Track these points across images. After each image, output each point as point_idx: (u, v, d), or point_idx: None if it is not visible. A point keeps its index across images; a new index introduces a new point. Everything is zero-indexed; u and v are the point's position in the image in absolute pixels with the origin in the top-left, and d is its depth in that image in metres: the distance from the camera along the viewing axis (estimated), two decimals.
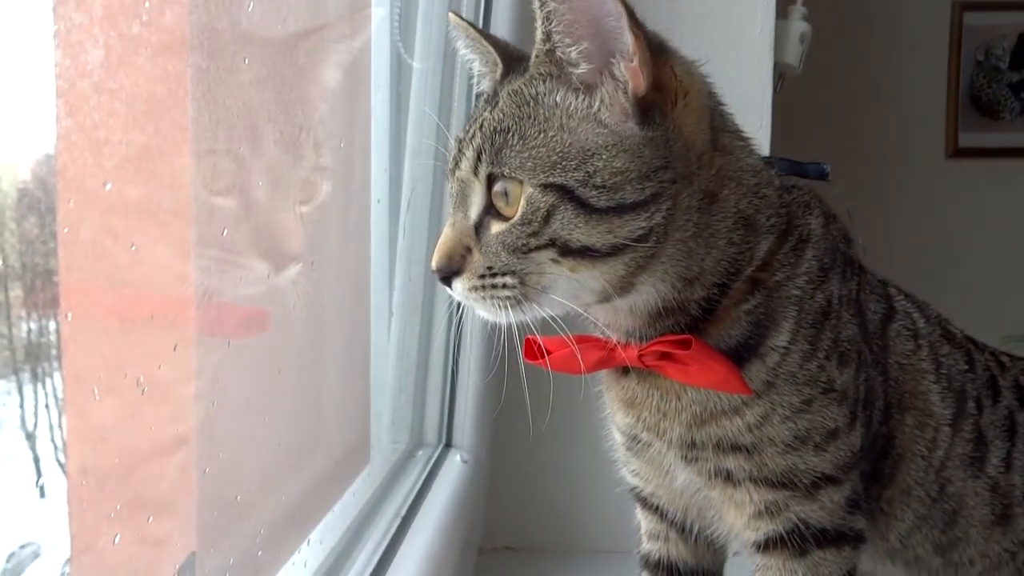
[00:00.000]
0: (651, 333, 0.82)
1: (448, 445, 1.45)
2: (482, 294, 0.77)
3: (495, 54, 0.84)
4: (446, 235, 0.79)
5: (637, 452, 0.93)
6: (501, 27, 1.39)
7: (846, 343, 0.87)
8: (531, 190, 0.74)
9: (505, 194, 0.75)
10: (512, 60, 0.83)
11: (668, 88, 0.77)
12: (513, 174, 0.74)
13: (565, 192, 0.73)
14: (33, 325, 0.68)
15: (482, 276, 0.76)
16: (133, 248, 0.70)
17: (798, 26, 1.74)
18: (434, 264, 0.78)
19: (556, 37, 0.75)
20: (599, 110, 0.75)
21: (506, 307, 0.76)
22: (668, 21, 1.62)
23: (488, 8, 1.41)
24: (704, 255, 0.79)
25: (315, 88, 0.97)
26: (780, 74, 1.73)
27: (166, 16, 0.74)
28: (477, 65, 0.87)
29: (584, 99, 0.75)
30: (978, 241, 3.12)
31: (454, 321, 1.38)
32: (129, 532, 0.71)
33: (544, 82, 0.76)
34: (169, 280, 0.78)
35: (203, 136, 0.80)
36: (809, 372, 0.84)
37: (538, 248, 0.75)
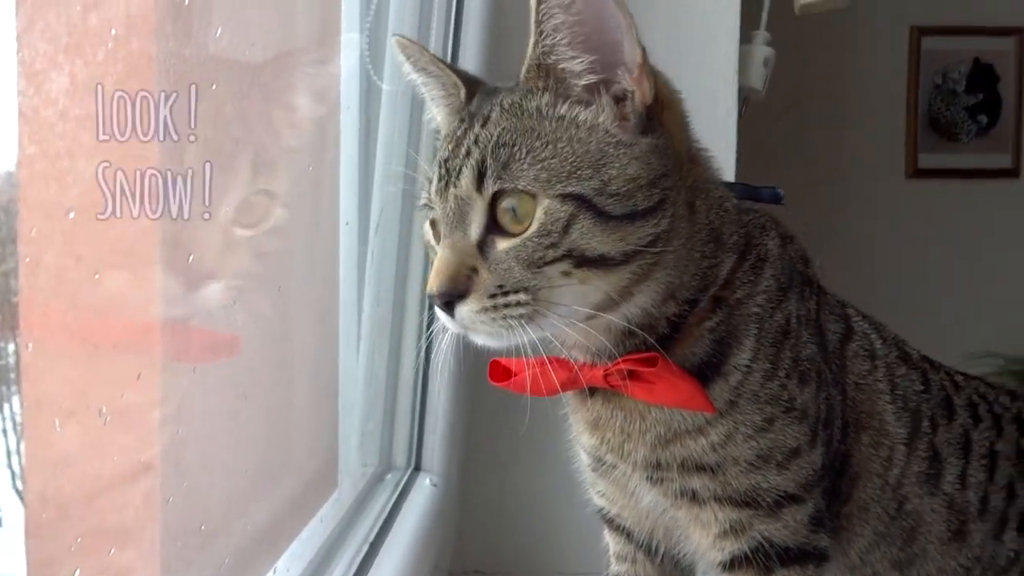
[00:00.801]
0: (618, 352, 0.82)
1: (417, 468, 1.44)
2: (493, 315, 0.74)
3: (454, 76, 0.84)
4: (445, 257, 0.75)
5: (603, 473, 0.94)
6: (470, 56, 1.41)
7: (806, 362, 0.89)
8: (548, 201, 0.73)
9: (513, 210, 0.74)
10: (471, 83, 0.84)
11: (661, 98, 0.79)
12: (527, 187, 0.73)
13: (583, 201, 0.73)
14: None
15: (493, 296, 0.74)
16: (96, 276, 0.70)
17: (761, 51, 1.78)
18: (435, 288, 0.75)
19: (561, 50, 0.75)
20: (607, 120, 0.76)
21: (517, 326, 0.74)
22: None
23: (456, 38, 1.43)
24: (686, 266, 0.81)
25: (278, 111, 0.96)
26: (745, 98, 1.76)
27: (132, 43, 0.74)
28: (431, 89, 0.87)
29: (590, 110, 0.76)
30: (938, 259, 3.18)
31: (423, 344, 1.38)
32: (90, 564, 0.70)
33: (543, 95, 0.77)
34: (134, 306, 0.78)
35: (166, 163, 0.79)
36: (770, 391, 0.85)
37: (554, 260, 0.74)
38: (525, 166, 0.74)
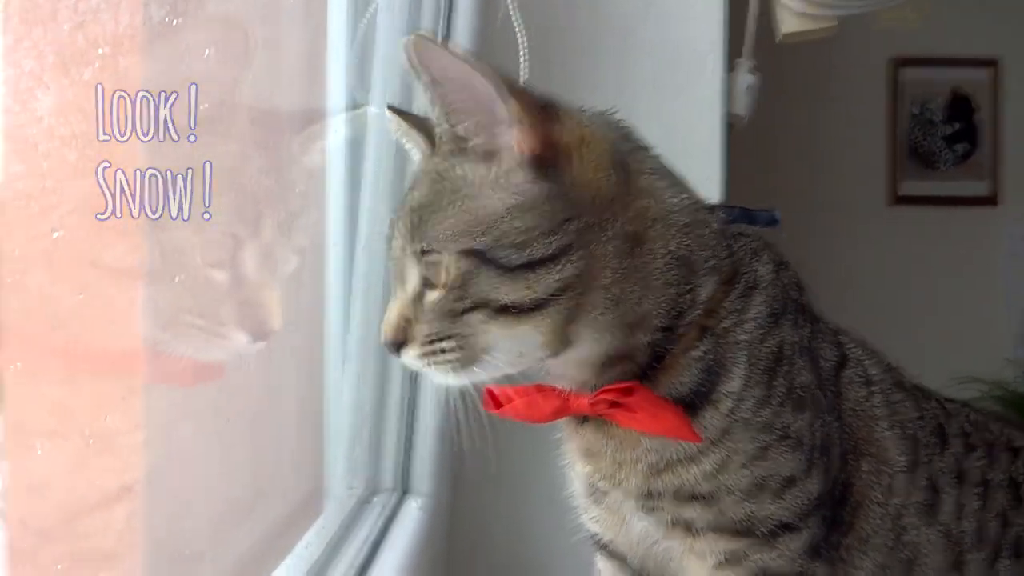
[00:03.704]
0: (600, 382, 0.82)
1: (405, 492, 1.43)
2: (427, 360, 0.79)
3: (421, 137, 0.87)
4: (390, 309, 0.82)
5: (596, 500, 0.93)
6: None
7: (800, 389, 0.88)
8: (449, 258, 0.77)
9: (434, 264, 0.78)
10: (432, 140, 0.87)
11: (560, 142, 0.79)
12: (433, 247, 0.78)
13: (478, 255, 0.76)
14: None
15: (424, 344, 0.79)
16: (80, 296, 0.69)
17: (745, 78, 1.81)
18: (382, 338, 0.81)
19: (447, 116, 0.79)
20: (498, 175, 0.78)
21: (452, 370, 0.79)
22: (619, 75, 1.67)
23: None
24: (639, 298, 0.81)
25: (296, 169, 0.99)
26: (729, 125, 1.78)
27: (119, 62, 0.73)
28: (414, 151, 0.90)
29: (485, 167, 0.79)
30: (920, 284, 3.22)
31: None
32: None
33: (448, 158, 0.80)
34: (118, 328, 0.77)
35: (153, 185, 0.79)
36: (764, 418, 0.85)
37: (467, 311, 0.77)
38: (429, 227, 0.79)
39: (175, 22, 0.83)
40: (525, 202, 0.77)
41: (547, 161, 0.78)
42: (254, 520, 1.05)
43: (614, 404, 0.82)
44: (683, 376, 0.83)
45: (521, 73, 1.34)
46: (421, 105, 1.32)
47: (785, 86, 2.74)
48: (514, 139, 0.78)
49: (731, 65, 1.77)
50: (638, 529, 0.91)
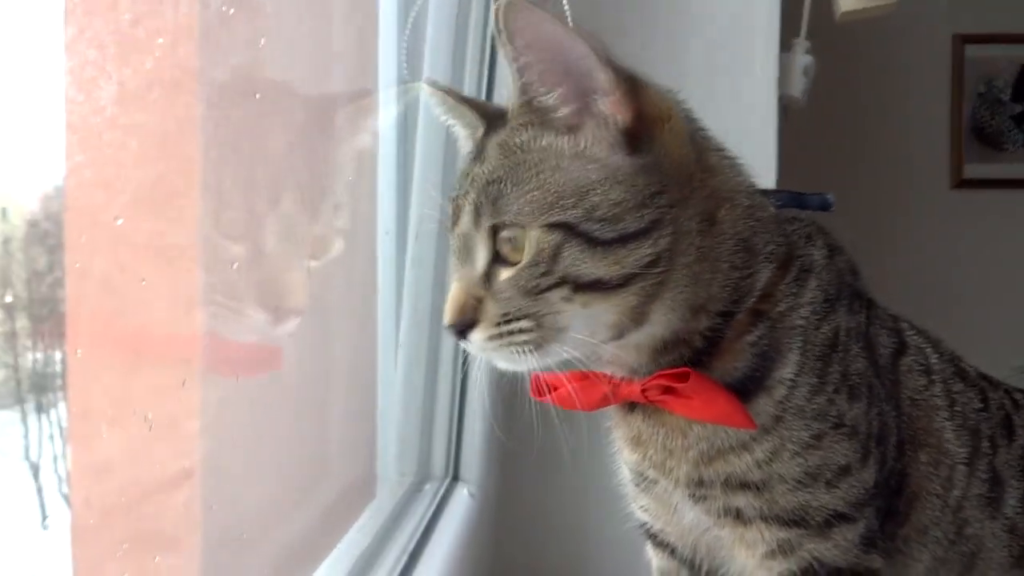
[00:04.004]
0: (654, 368, 0.81)
1: (455, 478, 1.44)
2: (499, 342, 0.76)
3: (474, 114, 0.86)
4: (455, 290, 0.79)
5: (645, 489, 0.92)
6: (506, 85, 1.41)
7: (855, 377, 0.86)
8: (535, 232, 0.75)
9: (511, 240, 0.76)
10: (492, 117, 0.85)
11: (649, 115, 0.78)
12: (515, 220, 0.75)
13: (568, 229, 0.74)
14: (39, 356, 0.68)
15: (498, 324, 0.76)
16: (143, 283, 0.71)
17: (802, 59, 1.76)
18: (447, 320, 0.78)
19: (532, 88, 0.77)
20: (587, 147, 0.76)
21: (526, 352, 0.76)
22: (672, 57, 1.64)
23: (492, 63, 1.43)
24: (710, 280, 0.79)
25: (344, 150, 0.99)
26: (784, 107, 1.74)
27: (179, 51, 0.75)
28: (459, 128, 0.89)
29: (571, 139, 0.77)
30: (984, 271, 3.11)
31: (461, 352, 1.38)
32: (135, 569, 0.70)
33: (527, 130, 0.78)
34: (177, 315, 0.78)
35: (212, 172, 0.80)
36: (818, 406, 0.83)
37: (550, 288, 0.75)
38: (511, 200, 0.76)
39: (231, 11, 0.84)
40: (617, 174, 0.75)
41: (638, 133, 0.77)
42: (309, 504, 1.06)
43: (667, 390, 0.80)
44: (737, 362, 0.81)
45: None
46: (469, 89, 1.32)
47: (843, 66, 2.67)
48: (609, 109, 0.76)
49: (787, 45, 1.73)
50: (689, 518, 0.90)
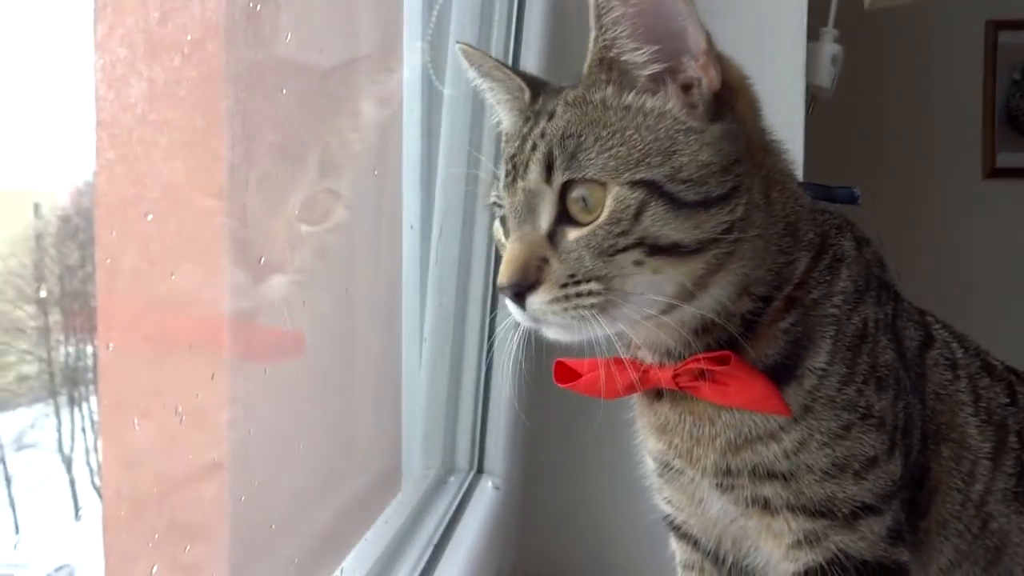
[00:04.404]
0: (688, 352, 0.81)
1: (480, 471, 1.44)
2: (564, 304, 0.73)
3: (518, 79, 0.84)
4: (515, 249, 0.75)
5: (669, 479, 0.92)
6: (531, 59, 1.40)
7: (884, 368, 0.85)
8: (618, 188, 0.73)
9: (583, 199, 0.74)
10: (535, 84, 0.84)
11: (730, 84, 0.77)
12: (596, 176, 0.73)
13: (654, 188, 0.72)
14: (71, 349, 0.69)
15: (564, 285, 0.73)
16: (172, 277, 0.71)
17: (829, 48, 1.74)
18: (506, 279, 0.74)
19: (622, 42, 0.75)
20: (674, 107, 0.75)
21: (589, 317, 0.73)
22: None
23: (518, 41, 1.43)
24: (762, 260, 0.79)
25: (345, 116, 0.98)
26: (812, 96, 1.72)
27: (207, 48, 0.76)
28: (496, 93, 0.87)
29: (657, 98, 0.75)
30: (1019, 262, 3.05)
31: (485, 346, 1.38)
32: (166, 560, 0.71)
33: (607, 87, 0.76)
34: (205, 307, 0.79)
35: (239, 163, 0.81)
36: (847, 397, 0.82)
37: (626, 248, 0.73)
38: (593, 155, 0.74)
39: (258, 7, 0.85)
40: (705, 136, 0.74)
41: (722, 100, 0.76)
42: (335, 496, 1.07)
43: (699, 376, 0.80)
44: (769, 348, 0.80)
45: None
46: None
47: (873, 55, 2.63)
48: (698, 72, 0.75)
49: (815, 34, 1.71)
50: (715, 509, 0.90)
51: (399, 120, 1.28)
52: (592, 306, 0.73)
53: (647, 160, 0.73)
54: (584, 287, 0.73)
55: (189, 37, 0.71)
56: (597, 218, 0.73)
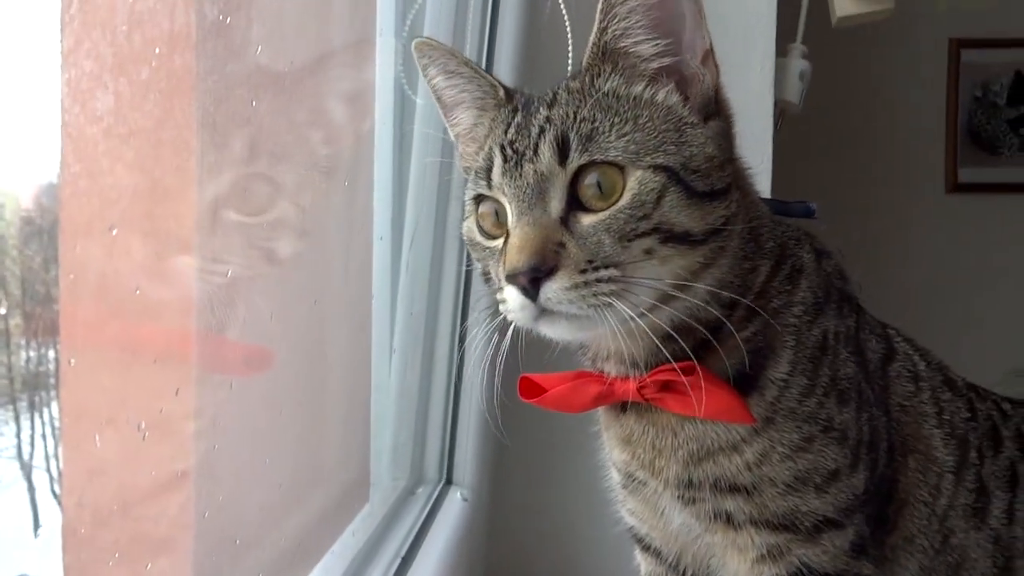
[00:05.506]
0: (655, 361, 0.81)
1: (449, 482, 1.44)
2: (583, 291, 0.71)
3: (488, 78, 0.85)
4: (527, 233, 0.73)
5: (633, 491, 0.92)
6: (504, 63, 1.41)
7: (845, 381, 0.87)
8: (641, 172, 0.73)
9: (597, 184, 0.73)
10: (504, 86, 0.85)
11: (720, 87, 0.81)
12: (617, 158, 0.73)
13: (672, 174, 0.74)
14: (32, 354, 0.68)
15: (583, 271, 0.71)
16: (137, 292, 0.71)
17: (797, 64, 1.76)
18: (521, 264, 0.71)
19: (634, 33, 0.77)
20: (679, 102, 0.77)
21: (603, 305, 0.71)
22: None
23: (492, 42, 1.44)
24: (733, 262, 0.81)
25: (305, 112, 0.96)
26: (780, 111, 1.74)
27: (175, 61, 0.75)
28: (458, 91, 0.86)
29: (665, 91, 0.77)
30: (979, 275, 3.11)
31: (455, 358, 1.38)
32: (124, 571, 0.71)
33: (614, 77, 0.78)
34: (172, 319, 0.79)
35: (207, 179, 0.80)
36: (808, 409, 0.83)
37: (643, 234, 0.73)
38: (612, 138, 0.74)
39: (228, 20, 0.84)
40: (708, 131, 0.77)
41: (716, 99, 0.79)
42: (302, 508, 1.07)
43: (664, 387, 0.80)
44: (732, 358, 0.81)
45: (569, 59, 1.33)
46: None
47: (840, 71, 2.67)
48: (704, 69, 0.77)
49: (783, 50, 1.73)
50: (676, 522, 0.90)
51: (370, 131, 1.27)
52: (610, 292, 0.71)
53: (663, 147, 0.74)
54: (603, 273, 0.71)
55: (157, 50, 0.71)
56: (615, 202, 0.73)
